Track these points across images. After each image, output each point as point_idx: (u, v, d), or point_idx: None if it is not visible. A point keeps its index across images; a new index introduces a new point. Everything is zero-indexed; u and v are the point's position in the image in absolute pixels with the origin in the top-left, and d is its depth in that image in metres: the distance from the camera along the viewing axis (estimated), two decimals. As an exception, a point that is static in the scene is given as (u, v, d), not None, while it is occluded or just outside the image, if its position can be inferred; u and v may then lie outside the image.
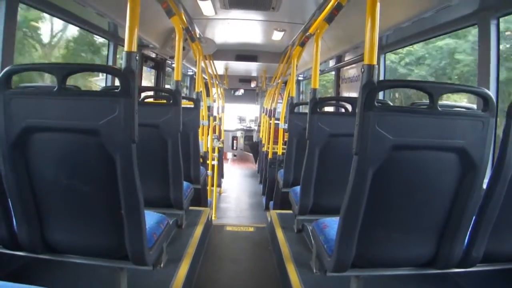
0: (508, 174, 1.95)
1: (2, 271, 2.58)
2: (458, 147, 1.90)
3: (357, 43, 5.03)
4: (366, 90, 1.82)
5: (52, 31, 5.47)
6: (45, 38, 5.42)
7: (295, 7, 5.25)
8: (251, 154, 12.93)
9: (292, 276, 3.03)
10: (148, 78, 7.09)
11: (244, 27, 6.63)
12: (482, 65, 2.98)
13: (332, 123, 3.16)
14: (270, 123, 7.06)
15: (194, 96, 4.30)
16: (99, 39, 5.62)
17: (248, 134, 13.77)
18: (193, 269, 3.34)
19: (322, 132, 3.15)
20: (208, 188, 5.57)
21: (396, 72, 6.92)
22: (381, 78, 4.77)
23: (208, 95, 6.36)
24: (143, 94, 3.66)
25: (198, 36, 6.50)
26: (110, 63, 4.81)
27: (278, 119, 6.61)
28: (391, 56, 6.21)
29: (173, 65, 7.45)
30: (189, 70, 10.03)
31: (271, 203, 5.42)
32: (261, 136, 9.75)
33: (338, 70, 6.70)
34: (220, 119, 8.76)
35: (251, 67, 10.35)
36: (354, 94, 5.92)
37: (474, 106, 2.80)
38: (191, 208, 4.33)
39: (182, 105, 3.26)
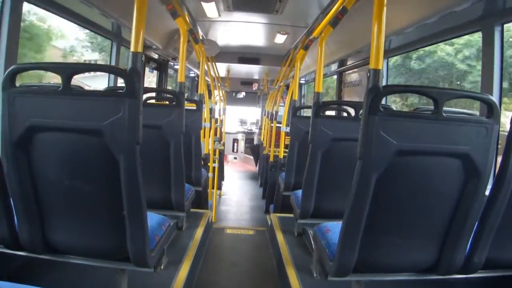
0: (511, 180, 1.95)
1: (3, 271, 2.57)
2: (462, 153, 1.90)
3: (361, 47, 5.03)
4: (372, 94, 1.82)
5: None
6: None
7: (299, 11, 5.25)
8: (251, 157, 12.93)
9: (292, 280, 3.02)
10: (147, 79, 7.09)
11: (247, 30, 6.62)
12: (486, 71, 2.98)
13: (335, 127, 3.16)
14: (272, 126, 7.06)
15: (196, 98, 4.30)
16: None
17: (249, 136, 13.76)
18: (193, 271, 3.33)
19: (325, 136, 3.14)
20: (209, 190, 5.57)
21: (453, 67, 6.29)
22: (384, 82, 4.76)
23: (210, 97, 6.36)
24: (145, 95, 3.65)
25: (201, 38, 6.50)
26: (113, 63, 4.81)
27: (279, 122, 6.60)
28: (446, 48, 5.86)
29: (175, 67, 7.45)
30: (191, 72, 10.03)
31: (272, 206, 5.41)
32: (262, 139, 9.74)
33: (340, 74, 6.69)
34: (221, 121, 8.76)
35: (253, 70, 10.34)
36: (356, 99, 5.92)
37: (476, 113, 2.80)
38: (191, 210, 4.32)
39: (185, 107, 3.26)
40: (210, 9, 5.27)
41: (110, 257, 2.14)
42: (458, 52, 5.94)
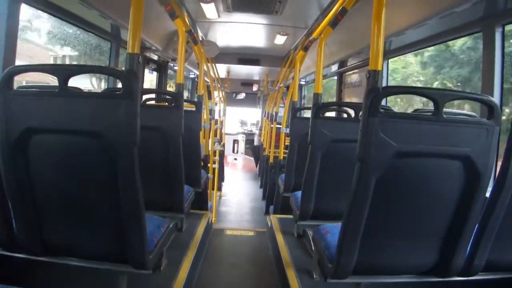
0: (511, 183, 1.93)
1: (1, 273, 2.56)
2: (462, 154, 1.89)
3: (361, 48, 5.02)
4: (371, 96, 1.81)
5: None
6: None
7: (299, 11, 5.24)
8: (252, 158, 12.92)
9: (292, 282, 3.01)
10: (148, 80, 7.08)
11: (246, 31, 6.62)
12: (487, 72, 2.97)
13: (334, 128, 3.15)
14: (272, 127, 7.05)
15: (196, 99, 4.29)
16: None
17: (249, 137, 13.77)
18: (193, 273, 3.33)
19: (325, 137, 3.13)
20: (209, 191, 5.55)
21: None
22: (384, 83, 4.75)
23: (209, 98, 6.36)
24: (144, 97, 3.64)
25: (200, 39, 6.49)
26: (112, 64, 4.80)
27: (279, 123, 6.60)
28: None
29: (174, 68, 7.45)
30: (190, 73, 10.03)
31: (272, 207, 5.40)
32: (262, 140, 9.74)
33: (340, 75, 6.68)
34: (221, 122, 8.75)
35: (253, 71, 10.34)
36: (356, 99, 5.91)
37: (475, 114, 2.79)
38: (191, 211, 4.31)
39: (184, 108, 3.25)
40: (209, 10, 5.26)
41: (109, 259, 2.13)
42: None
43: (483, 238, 2.05)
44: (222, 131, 9.26)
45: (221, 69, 9.78)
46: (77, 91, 2.02)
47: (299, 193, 3.47)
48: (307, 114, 4.77)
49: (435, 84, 5.16)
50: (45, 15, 3.61)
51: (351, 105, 3.62)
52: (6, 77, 1.86)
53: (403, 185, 1.94)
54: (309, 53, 4.64)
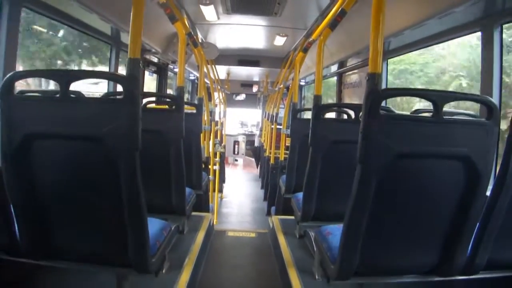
0: (511, 182, 1.94)
1: (4, 278, 2.57)
2: (462, 155, 1.90)
3: (360, 48, 5.03)
4: (371, 98, 1.82)
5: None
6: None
7: (298, 13, 5.25)
8: (252, 159, 12.93)
9: (294, 283, 3.01)
10: (148, 82, 7.09)
11: (246, 32, 6.63)
12: (486, 72, 2.97)
13: (335, 129, 3.15)
14: (272, 128, 7.06)
15: (196, 101, 4.29)
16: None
17: (249, 139, 13.79)
18: (195, 275, 3.33)
19: (325, 138, 3.13)
20: (210, 193, 5.56)
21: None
22: (384, 84, 4.76)
23: (210, 99, 6.36)
24: (145, 100, 3.65)
25: (200, 41, 6.50)
26: (112, 67, 4.81)
27: (280, 124, 6.61)
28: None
29: (174, 70, 7.46)
30: (190, 75, 10.04)
31: (273, 208, 5.40)
32: (263, 141, 9.74)
33: (340, 76, 6.69)
34: (221, 123, 8.76)
35: (253, 72, 10.35)
36: (356, 100, 5.92)
37: (474, 113, 2.80)
38: (192, 213, 4.32)
39: (184, 111, 3.26)
40: (209, 12, 5.27)
41: (111, 262, 2.14)
42: None
43: (484, 237, 2.05)
44: (223, 133, 9.26)
45: (221, 71, 9.79)
46: (79, 97, 2.03)
47: (300, 194, 3.47)
48: (307, 115, 4.78)
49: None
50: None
51: (351, 106, 3.63)
52: (7, 82, 1.87)
53: (404, 186, 1.95)
54: (309, 53, 4.65)
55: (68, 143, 1.91)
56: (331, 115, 5.81)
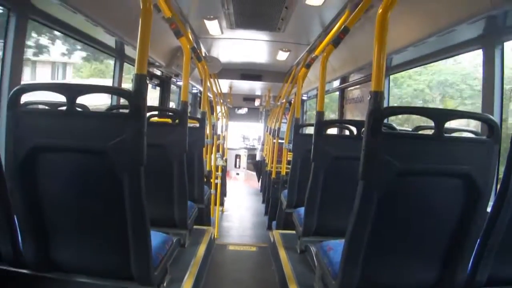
0: None
1: None
2: (463, 172, 1.91)
3: (363, 64, 5.06)
4: (373, 116, 1.84)
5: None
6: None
7: (301, 28, 5.30)
8: (254, 173, 12.91)
9: None
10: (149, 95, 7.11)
11: (249, 47, 6.68)
12: (487, 90, 2.99)
13: (337, 145, 3.17)
14: (274, 143, 7.07)
15: (199, 115, 4.31)
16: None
17: (251, 152, 13.78)
18: None
19: (327, 154, 3.15)
20: (211, 206, 5.55)
21: None
22: (386, 100, 4.77)
23: (212, 113, 6.38)
24: (148, 113, 3.67)
25: (203, 55, 6.55)
26: (116, 79, 4.84)
27: (282, 139, 6.62)
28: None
29: (177, 83, 7.50)
30: (193, 88, 10.09)
31: (274, 222, 5.39)
32: (264, 155, 9.74)
33: (342, 91, 6.72)
34: (223, 137, 8.78)
35: (255, 86, 10.40)
36: (358, 115, 5.94)
37: (476, 130, 2.80)
38: (194, 227, 4.32)
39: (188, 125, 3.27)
40: (213, 27, 5.32)
41: (114, 275, 2.14)
42: None
43: (485, 254, 2.05)
44: (225, 146, 9.27)
45: (224, 84, 9.83)
46: (85, 111, 2.05)
47: (301, 209, 3.47)
48: (309, 130, 4.80)
49: None
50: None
51: (353, 122, 3.64)
52: (14, 96, 1.89)
53: (405, 203, 1.96)
54: (311, 68, 4.68)
55: (73, 156, 1.92)
56: (333, 130, 5.82)
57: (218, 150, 6.77)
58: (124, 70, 4.91)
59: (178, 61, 6.08)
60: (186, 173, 3.22)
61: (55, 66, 5.82)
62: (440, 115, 1.88)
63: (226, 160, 8.94)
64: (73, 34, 3.85)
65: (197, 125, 4.16)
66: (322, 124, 3.23)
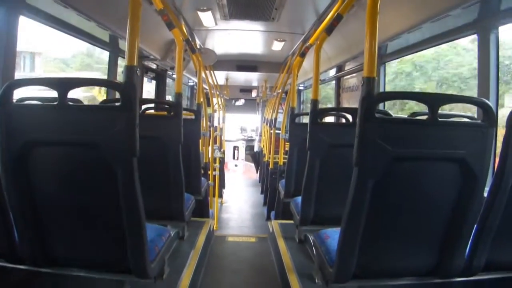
0: (508, 183, 1.95)
1: (3, 285, 2.57)
2: (458, 157, 1.91)
3: (357, 53, 5.04)
4: (366, 102, 1.83)
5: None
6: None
7: (295, 18, 5.28)
8: (252, 164, 12.94)
9: (294, 287, 3.02)
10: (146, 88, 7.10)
11: (244, 38, 6.66)
12: (482, 74, 2.98)
13: (332, 133, 3.16)
14: (271, 133, 7.07)
15: (195, 107, 4.31)
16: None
17: (249, 144, 13.81)
18: (195, 280, 3.33)
19: (323, 142, 3.14)
20: (210, 198, 5.56)
21: None
22: (381, 88, 4.77)
23: (208, 105, 6.37)
24: (143, 106, 3.66)
25: (198, 47, 6.53)
26: (111, 74, 4.82)
27: (279, 129, 6.62)
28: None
29: (173, 76, 7.47)
30: (189, 81, 10.07)
31: (273, 213, 5.40)
32: (262, 146, 9.75)
33: (338, 80, 6.71)
34: (221, 129, 8.78)
35: (251, 77, 10.38)
36: (355, 103, 5.93)
37: (471, 115, 2.80)
38: (192, 219, 4.32)
39: (183, 116, 3.27)
40: (206, 18, 5.30)
41: (111, 268, 2.14)
42: None
43: (482, 239, 2.06)
44: (222, 138, 9.28)
45: (220, 76, 9.81)
46: (77, 104, 2.04)
47: (299, 198, 3.48)
48: (306, 119, 4.79)
49: None
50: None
51: (348, 110, 3.64)
52: (6, 90, 1.88)
53: (401, 189, 1.96)
54: (307, 58, 4.67)
55: (66, 150, 1.92)
56: (330, 119, 5.82)
57: (215, 142, 6.77)
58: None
59: (173, 54, 6.05)
60: (181, 164, 3.22)
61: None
62: (434, 100, 1.87)
63: (224, 152, 8.95)
64: (66, 30, 3.82)
65: (193, 117, 4.15)
66: (317, 112, 3.22)
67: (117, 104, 1.86)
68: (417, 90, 6.83)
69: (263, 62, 8.82)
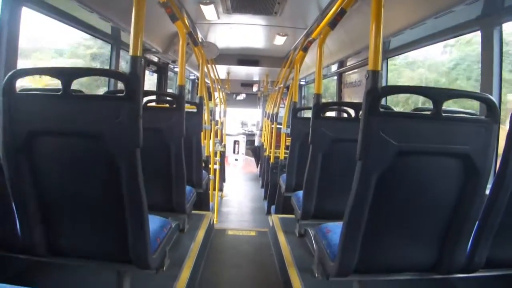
0: (511, 180, 1.95)
1: (5, 274, 2.58)
2: (461, 152, 1.90)
3: (360, 48, 5.04)
4: (370, 96, 1.83)
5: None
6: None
7: (298, 12, 5.27)
8: (252, 159, 12.94)
9: (294, 281, 3.02)
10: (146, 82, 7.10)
11: (246, 32, 6.65)
12: (485, 70, 2.98)
13: (335, 128, 3.16)
14: (272, 128, 7.06)
15: (197, 101, 4.30)
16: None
17: (249, 138, 13.81)
18: (195, 273, 3.34)
19: (325, 137, 3.14)
20: (210, 192, 5.57)
21: None
22: (384, 83, 4.77)
23: (210, 99, 6.36)
24: (145, 98, 3.66)
25: (200, 40, 6.52)
26: (113, 66, 4.81)
27: (280, 124, 6.62)
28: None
29: (175, 69, 7.47)
30: (191, 75, 10.06)
31: (273, 207, 5.41)
32: (263, 141, 9.75)
33: (340, 75, 6.70)
34: (222, 123, 8.79)
35: (253, 72, 10.38)
36: (356, 99, 5.93)
37: (474, 112, 2.80)
38: (193, 212, 4.33)
39: (185, 109, 3.27)
40: (209, 12, 5.29)
41: (112, 259, 2.15)
42: None
43: (484, 235, 2.06)
44: (223, 132, 9.28)
45: (221, 70, 9.80)
46: (80, 94, 2.04)
47: (300, 193, 3.48)
48: (307, 114, 4.79)
49: None
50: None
51: (351, 105, 3.63)
52: (9, 80, 1.88)
53: (404, 183, 1.96)
54: (309, 53, 4.66)
55: (69, 140, 1.92)
56: (331, 114, 5.82)
57: (216, 136, 6.77)
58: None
59: (175, 47, 6.06)
60: (183, 157, 3.22)
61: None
62: (439, 95, 1.87)
63: (224, 146, 8.96)
64: (68, 21, 3.81)
65: (195, 110, 4.15)
66: (320, 106, 3.22)
67: (120, 95, 1.86)
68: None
69: (264, 57, 8.81)
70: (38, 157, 1.94)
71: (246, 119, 14.92)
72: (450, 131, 1.88)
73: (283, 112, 6.57)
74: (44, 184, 1.98)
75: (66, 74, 1.86)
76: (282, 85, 7.25)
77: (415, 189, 1.97)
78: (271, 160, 6.20)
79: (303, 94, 10.82)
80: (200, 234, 4.01)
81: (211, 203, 5.44)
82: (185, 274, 3.04)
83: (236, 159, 13.21)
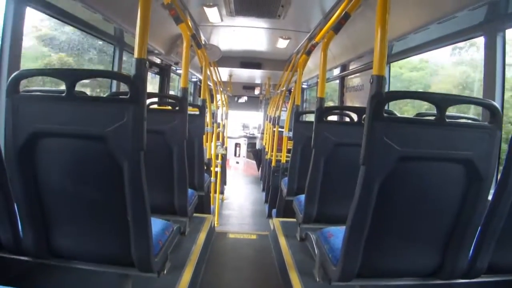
0: None
1: (7, 276, 2.57)
2: (464, 158, 1.90)
3: (363, 52, 5.04)
4: (375, 101, 1.83)
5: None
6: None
7: (301, 16, 5.27)
8: (254, 162, 12.94)
9: (295, 285, 3.01)
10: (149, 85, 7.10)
11: (249, 35, 6.65)
12: (488, 76, 2.98)
13: (338, 132, 3.16)
14: (274, 131, 7.06)
15: (199, 103, 4.30)
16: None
17: (251, 141, 13.81)
18: (196, 276, 3.33)
19: (328, 141, 3.14)
20: (211, 195, 5.56)
21: None
22: (387, 87, 4.76)
23: (212, 101, 6.36)
24: (148, 100, 3.66)
25: (203, 42, 6.53)
26: (116, 68, 4.82)
27: (282, 127, 6.62)
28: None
29: (177, 71, 7.48)
30: (193, 77, 10.07)
31: (274, 210, 5.40)
32: (264, 144, 9.75)
33: (342, 79, 6.71)
34: (223, 126, 8.79)
35: (255, 74, 10.38)
36: (358, 103, 5.93)
37: (477, 117, 2.80)
38: (194, 214, 4.32)
39: (188, 112, 3.26)
40: (212, 14, 5.30)
41: (114, 262, 2.14)
42: None
43: (486, 241, 2.06)
44: (225, 135, 9.29)
45: (223, 73, 9.81)
46: (84, 96, 2.04)
47: (302, 197, 3.47)
48: (309, 118, 4.79)
49: None
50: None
51: (354, 109, 3.63)
52: (13, 81, 1.88)
53: (407, 189, 1.95)
54: (311, 56, 4.66)
55: (73, 142, 1.91)
56: (333, 118, 5.81)
57: (218, 139, 6.77)
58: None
59: (177, 49, 6.07)
60: (186, 159, 3.22)
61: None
62: (443, 100, 1.87)
63: (226, 149, 8.96)
64: (72, 22, 3.82)
65: (197, 112, 4.15)
66: (323, 110, 3.22)
67: (124, 97, 1.86)
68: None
69: (267, 60, 8.82)
70: (40, 159, 1.94)
71: (248, 122, 14.94)
72: (453, 136, 1.88)
73: (284, 116, 6.56)
74: (47, 185, 1.98)
75: (71, 76, 1.86)
76: (284, 88, 7.25)
77: (418, 194, 1.97)
78: (273, 164, 6.19)
79: (304, 97, 10.82)
80: (201, 237, 4.00)
81: (212, 206, 5.44)
82: (186, 277, 3.04)
83: (237, 162, 13.22)
